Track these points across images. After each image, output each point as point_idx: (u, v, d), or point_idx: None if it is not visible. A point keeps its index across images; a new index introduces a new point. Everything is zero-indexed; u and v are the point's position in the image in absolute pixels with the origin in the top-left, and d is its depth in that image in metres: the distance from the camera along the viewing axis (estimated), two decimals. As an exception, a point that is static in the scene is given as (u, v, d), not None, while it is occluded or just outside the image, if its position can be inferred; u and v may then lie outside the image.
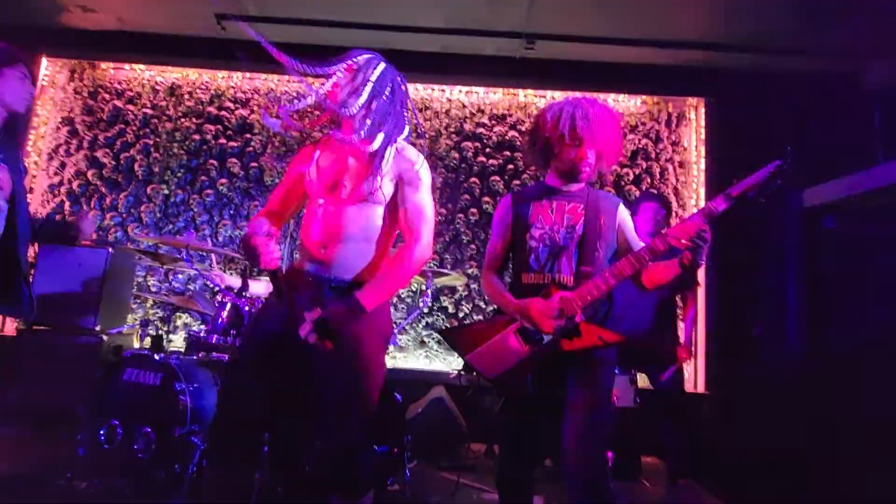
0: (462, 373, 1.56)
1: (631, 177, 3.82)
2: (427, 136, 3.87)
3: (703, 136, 3.79)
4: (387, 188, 1.42)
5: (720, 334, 3.56)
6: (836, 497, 2.55)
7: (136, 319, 3.49)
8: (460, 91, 3.92)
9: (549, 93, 3.88)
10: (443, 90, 3.92)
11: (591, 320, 1.44)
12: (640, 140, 3.85)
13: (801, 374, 3.33)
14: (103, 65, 3.98)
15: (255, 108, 3.93)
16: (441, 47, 3.73)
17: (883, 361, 3.16)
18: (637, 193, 3.78)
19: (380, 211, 1.43)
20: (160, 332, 2.72)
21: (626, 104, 3.90)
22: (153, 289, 3.62)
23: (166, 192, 3.81)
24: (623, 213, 1.58)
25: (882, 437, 2.82)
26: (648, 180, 3.82)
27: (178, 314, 3.50)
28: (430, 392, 3.16)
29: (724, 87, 3.72)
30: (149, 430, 1.94)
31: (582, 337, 1.39)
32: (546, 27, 3.43)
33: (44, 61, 3.89)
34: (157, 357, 2.01)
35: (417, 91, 3.93)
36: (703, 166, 3.76)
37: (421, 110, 3.91)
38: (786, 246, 3.66)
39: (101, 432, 1.96)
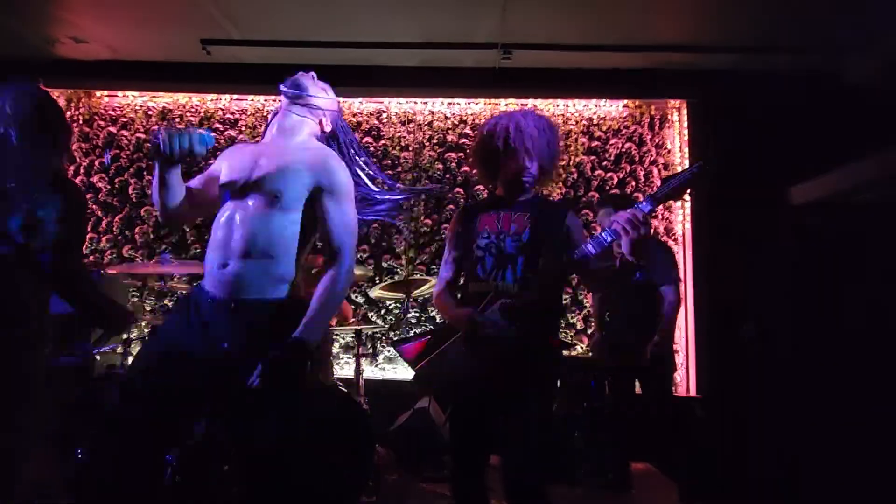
0: (413, 383, 1.56)
1: (615, 181, 3.82)
2: (411, 148, 3.93)
3: (686, 138, 3.78)
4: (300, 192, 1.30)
5: (710, 336, 3.52)
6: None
7: (129, 339, 3.58)
8: (442, 103, 3.97)
9: (529, 101, 3.91)
10: (425, 103, 3.98)
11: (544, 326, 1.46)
12: (623, 144, 3.85)
13: (794, 375, 3.27)
14: (98, 93, 4.13)
15: (244, 128, 4.03)
16: (420, 61, 3.79)
17: (877, 360, 3.09)
18: (622, 197, 3.78)
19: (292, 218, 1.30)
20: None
21: (607, 109, 3.91)
22: (147, 308, 3.71)
23: (157, 213, 3.90)
24: (571, 220, 1.60)
25: (877, 439, 2.75)
26: (633, 183, 3.81)
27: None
28: (418, 402, 3.17)
29: (707, 87, 3.71)
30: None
31: (522, 344, 1.40)
32: (521, 37, 3.47)
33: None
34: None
35: (400, 105, 3.99)
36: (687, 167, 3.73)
37: (404, 123, 3.97)
38: (774, 244, 3.61)
39: (79, 452, 2.02)
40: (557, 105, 3.93)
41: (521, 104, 3.95)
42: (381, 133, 3.96)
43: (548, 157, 1.55)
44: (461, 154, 3.91)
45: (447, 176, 3.89)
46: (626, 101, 3.91)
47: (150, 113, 4.09)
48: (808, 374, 3.16)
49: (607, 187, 3.81)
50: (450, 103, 3.98)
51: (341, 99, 4.27)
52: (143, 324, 3.74)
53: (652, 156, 3.85)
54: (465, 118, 3.97)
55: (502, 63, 3.71)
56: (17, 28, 3.55)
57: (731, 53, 3.51)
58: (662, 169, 3.83)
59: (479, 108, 3.99)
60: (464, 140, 3.93)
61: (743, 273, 3.51)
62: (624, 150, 3.85)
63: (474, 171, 1.74)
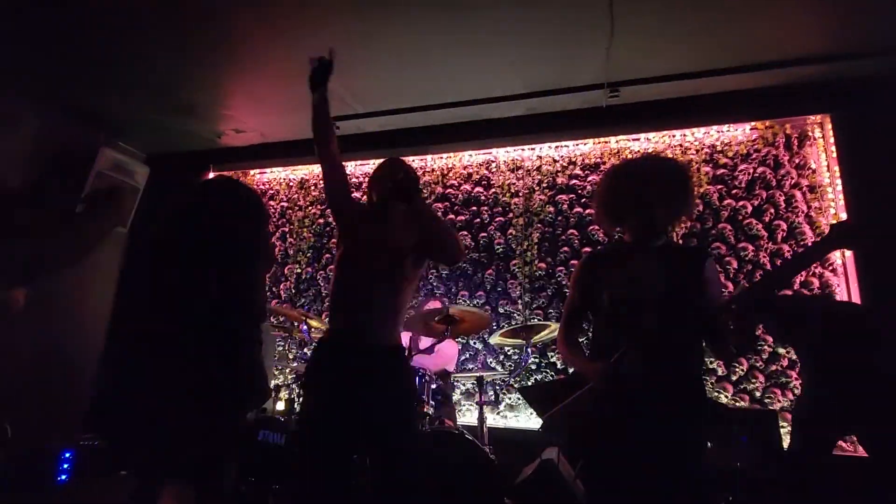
0: (541, 432, 1.53)
1: (749, 209, 3.47)
2: (521, 194, 3.99)
3: (834, 155, 3.33)
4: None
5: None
6: None
7: (277, 385, 3.99)
8: (549, 147, 4.01)
9: (642, 135, 3.79)
10: (532, 148, 4.05)
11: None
12: (754, 169, 3.51)
13: None
14: (252, 171, 4.87)
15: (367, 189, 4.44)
16: (526, 110, 3.90)
17: None
18: (759, 227, 3.41)
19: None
20: (292, 395, 3.09)
21: (731, 133, 3.62)
22: (290, 356, 4.13)
23: (298, 270, 4.41)
24: (710, 270, 1.49)
25: None
26: (772, 210, 3.43)
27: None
28: (543, 453, 3.05)
29: (851, 98, 3.28)
30: (277, 486, 2.20)
31: (658, 398, 1.31)
32: (627, 74, 3.41)
33: (211, 175, 4.90)
34: (282, 419, 2.30)
35: (508, 153, 4.11)
36: (839, 188, 3.28)
37: (513, 170, 4.07)
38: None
39: (242, 489, 2.27)
40: (673, 136, 3.74)
41: (633, 138, 3.84)
42: (491, 182, 4.09)
43: (678, 204, 1.49)
44: (572, 196, 3.87)
45: (559, 218, 3.86)
46: (753, 123, 3.59)
47: (291, 184, 4.71)
48: None
49: (740, 217, 3.47)
50: (557, 146, 4.00)
51: (452, 154, 4.44)
52: (288, 370, 4.17)
53: (793, 178, 3.45)
54: (573, 159, 3.95)
55: (609, 101, 3.67)
56: (195, 128, 4.39)
57: (876, 58, 3.08)
58: (808, 192, 3.40)
59: (587, 148, 3.95)
60: (574, 181, 3.90)
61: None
62: (757, 174, 3.51)
63: (598, 219, 1.72)
